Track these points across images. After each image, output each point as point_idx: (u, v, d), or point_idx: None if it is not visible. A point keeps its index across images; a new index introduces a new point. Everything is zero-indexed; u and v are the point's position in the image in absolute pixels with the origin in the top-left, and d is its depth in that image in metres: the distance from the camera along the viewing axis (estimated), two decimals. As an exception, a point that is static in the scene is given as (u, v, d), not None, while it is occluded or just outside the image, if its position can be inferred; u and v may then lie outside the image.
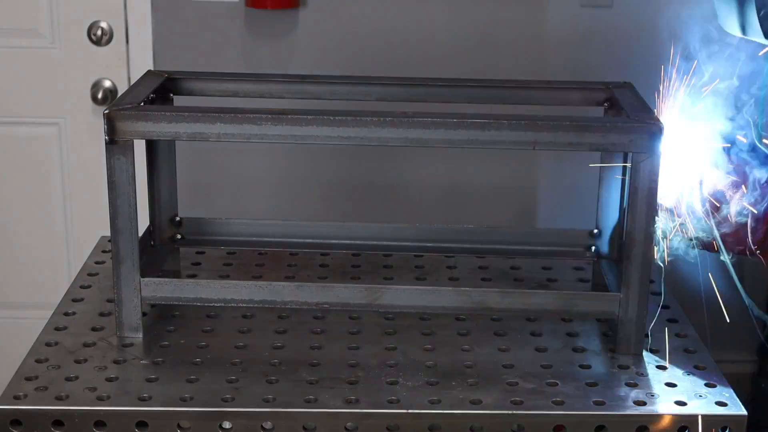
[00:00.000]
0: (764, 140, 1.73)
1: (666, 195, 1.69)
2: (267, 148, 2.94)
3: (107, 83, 2.84)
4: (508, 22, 2.94)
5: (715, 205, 1.71)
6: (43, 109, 2.87)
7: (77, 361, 1.52)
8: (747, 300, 1.83)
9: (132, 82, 2.70)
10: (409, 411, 1.42)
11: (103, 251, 1.89)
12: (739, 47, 1.81)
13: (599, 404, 1.44)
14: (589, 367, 1.54)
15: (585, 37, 2.97)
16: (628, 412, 1.43)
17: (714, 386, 1.49)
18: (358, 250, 1.81)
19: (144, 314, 1.62)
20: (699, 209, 1.71)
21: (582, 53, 2.98)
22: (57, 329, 1.62)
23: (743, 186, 1.68)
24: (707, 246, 1.85)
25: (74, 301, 1.71)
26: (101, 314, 1.66)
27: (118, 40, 2.82)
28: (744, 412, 1.44)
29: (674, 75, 1.70)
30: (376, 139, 1.49)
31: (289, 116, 1.48)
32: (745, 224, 1.73)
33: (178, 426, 1.41)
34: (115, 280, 1.56)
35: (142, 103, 1.56)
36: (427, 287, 1.63)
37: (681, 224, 1.71)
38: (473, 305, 1.58)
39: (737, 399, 1.47)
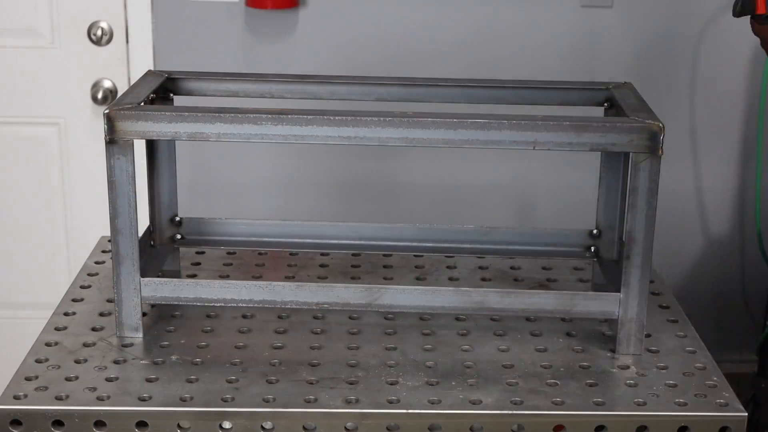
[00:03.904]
0: None
1: None
2: (267, 148, 2.94)
3: (107, 83, 2.84)
4: (507, 22, 2.94)
5: None
6: (43, 109, 2.87)
7: (77, 361, 1.52)
8: None
9: (132, 82, 2.70)
10: (409, 411, 1.42)
11: (103, 251, 1.89)
12: None
13: (599, 404, 1.44)
14: (589, 367, 1.54)
15: (585, 37, 2.97)
16: (628, 412, 1.43)
17: (714, 386, 1.49)
18: (358, 250, 1.81)
19: (144, 314, 1.62)
20: None
21: (582, 53, 2.99)
22: (57, 329, 1.62)
23: None
24: None
25: (74, 301, 1.71)
26: (101, 314, 1.66)
27: (118, 40, 2.82)
28: (744, 412, 1.44)
29: None
30: (376, 139, 1.49)
31: (289, 116, 1.48)
32: None
33: (178, 426, 1.41)
34: (115, 280, 1.56)
35: (142, 103, 1.56)
36: (427, 287, 1.63)
37: None
38: (473, 305, 1.58)
39: (737, 399, 1.47)
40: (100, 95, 2.83)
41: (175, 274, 1.79)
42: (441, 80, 1.75)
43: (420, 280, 1.81)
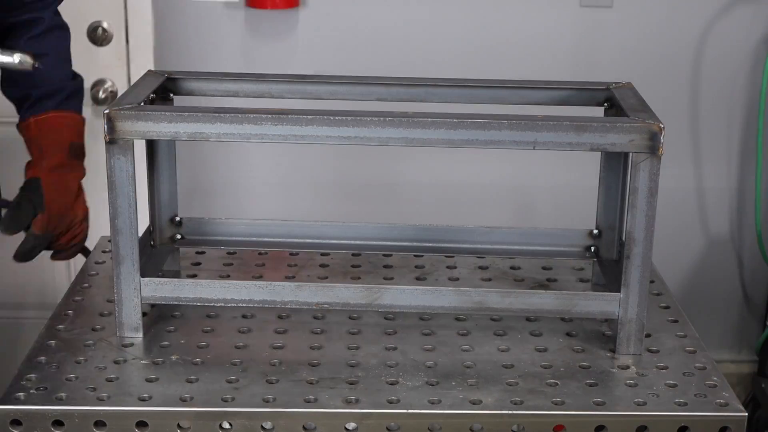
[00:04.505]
0: None
1: None
2: (267, 148, 2.94)
3: (107, 83, 2.84)
4: (507, 22, 2.94)
5: None
6: (43, 109, 2.86)
7: (77, 361, 1.52)
8: None
9: (132, 82, 2.70)
10: (409, 411, 1.42)
11: (103, 251, 1.89)
12: None
13: (599, 404, 1.44)
14: (589, 367, 1.54)
15: (585, 37, 2.97)
16: (628, 412, 1.43)
17: (714, 386, 1.49)
18: (358, 250, 1.81)
19: (144, 314, 1.62)
20: None
21: (582, 53, 2.99)
22: (57, 329, 1.62)
23: None
24: None
25: (74, 301, 1.71)
26: (101, 314, 1.66)
27: (118, 40, 2.82)
28: (744, 412, 1.44)
29: None
30: (376, 139, 1.49)
31: (289, 116, 1.48)
32: None
33: (178, 426, 1.41)
34: (115, 280, 1.56)
35: (142, 103, 1.56)
36: (427, 287, 1.63)
37: None
38: (473, 305, 1.58)
39: (737, 399, 1.47)
40: (100, 95, 2.83)
41: (175, 274, 1.79)
42: (441, 80, 1.75)
43: (420, 280, 1.81)
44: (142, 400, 1.43)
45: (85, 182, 2.90)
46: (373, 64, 2.89)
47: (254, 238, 1.80)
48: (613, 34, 2.98)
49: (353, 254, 1.86)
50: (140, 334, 1.59)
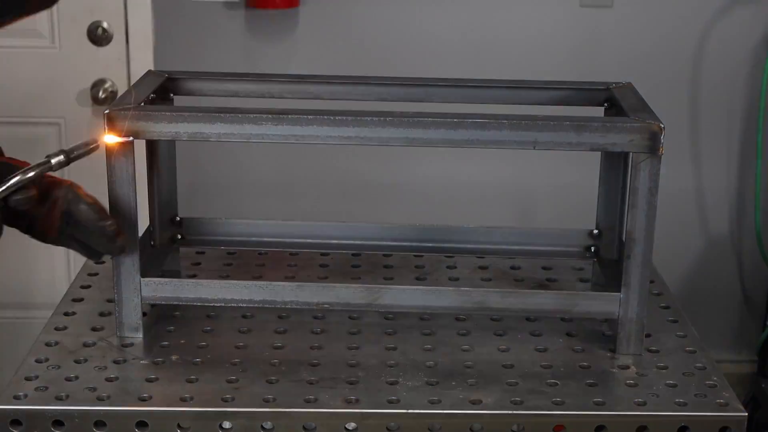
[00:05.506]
0: None
1: None
2: (267, 148, 2.94)
3: (107, 83, 2.84)
4: (508, 22, 2.94)
5: None
6: (43, 109, 2.87)
7: (77, 361, 1.52)
8: None
9: (132, 82, 2.70)
10: (409, 411, 1.42)
11: (103, 251, 1.88)
12: None
13: (599, 404, 1.44)
14: (589, 367, 1.54)
15: (585, 37, 2.97)
16: (628, 412, 1.43)
17: (714, 386, 1.49)
18: (358, 250, 1.81)
19: (144, 314, 1.62)
20: None
21: (582, 53, 2.99)
22: (57, 329, 1.61)
23: None
24: None
25: (74, 301, 1.71)
26: (101, 314, 1.66)
27: (118, 40, 2.82)
28: (744, 412, 1.44)
29: None
30: (376, 139, 1.49)
31: (289, 116, 1.48)
32: None
33: (178, 426, 1.41)
34: (115, 280, 1.56)
35: (142, 103, 1.56)
36: (427, 287, 1.62)
37: None
38: (473, 305, 1.58)
39: (737, 399, 1.47)
40: (100, 95, 2.83)
41: (175, 274, 1.79)
42: (441, 80, 1.75)
43: (420, 280, 1.81)
44: (142, 400, 1.43)
45: (87, 183, 2.91)
46: (373, 64, 2.89)
47: (254, 238, 1.80)
48: (613, 34, 2.98)
49: (353, 254, 1.86)
50: (140, 334, 1.59)
